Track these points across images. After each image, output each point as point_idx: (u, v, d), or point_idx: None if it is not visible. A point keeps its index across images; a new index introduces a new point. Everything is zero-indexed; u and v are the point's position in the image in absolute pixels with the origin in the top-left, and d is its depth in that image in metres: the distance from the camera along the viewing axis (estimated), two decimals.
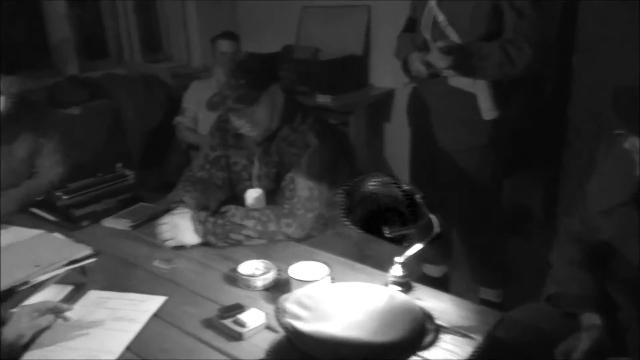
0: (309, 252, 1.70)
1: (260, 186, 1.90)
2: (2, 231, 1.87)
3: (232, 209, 1.75)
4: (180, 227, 1.71)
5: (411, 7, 2.51)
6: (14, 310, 1.37)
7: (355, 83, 4.02)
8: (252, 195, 1.85)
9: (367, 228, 1.28)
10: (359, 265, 1.58)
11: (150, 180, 2.93)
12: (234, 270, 1.55)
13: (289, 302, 1.05)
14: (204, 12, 4.54)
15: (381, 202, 1.27)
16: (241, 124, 1.83)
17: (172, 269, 1.62)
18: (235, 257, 1.66)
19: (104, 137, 3.44)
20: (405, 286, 1.36)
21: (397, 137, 4.04)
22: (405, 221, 1.26)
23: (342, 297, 1.09)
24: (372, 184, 1.29)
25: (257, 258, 1.58)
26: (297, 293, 1.09)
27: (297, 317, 1.01)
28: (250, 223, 1.71)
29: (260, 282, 1.47)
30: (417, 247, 1.30)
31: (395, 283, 1.35)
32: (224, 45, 3.31)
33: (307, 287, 1.22)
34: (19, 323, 1.26)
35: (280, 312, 1.03)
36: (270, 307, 1.38)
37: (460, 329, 1.25)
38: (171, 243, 1.70)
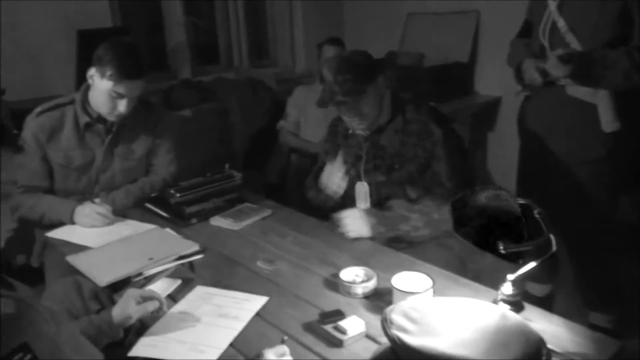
0: (410, 261, 1.67)
1: (367, 180, 1.98)
2: (119, 224, 2.01)
3: (396, 203, 1.86)
4: (358, 221, 1.83)
5: (528, 10, 2.38)
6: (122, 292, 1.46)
7: (459, 90, 3.93)
8: (361, 189, 1.98)
9: (478, 242, 1.22)
10: (463, 280, 1.52)
11: (251, 182, 3.02)
12: (335, 275, 1.55)
13: (395, 313, 1.02)
14: (310, 19, 4.63)
15: (495, 216, 1.21)
16: (350, 119, 1.90)
17: (274, 270, 1.64)
18: (336, 263, 1.66)
19: (211, 138, 3.59)
20: (516, 305, 1.28)
21: (502, 147, 3.89)
22: (520, 237, 1.19)
23: (450, 312, 1.04)
24: (485, 197, 1.23)
25: (358, 265, 1.57)
26: (404, 304, 1.07)
27: (404, 330, 0.98)
28: (414, 214, 1.81)
29: (360, 290, 1.46)
30: (530, 265, 1.23)
31: (506, 301, 1.28)
32: (330, 51, 3.34)
33: (414, 299, 1.18)
34: (127, 305, 1.33)
35: (386, 322, 1.01)
36: (370, 316, 1.36)
37: (574, 357, 1.16)
38: (352, 235, 1.82)
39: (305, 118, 3.37)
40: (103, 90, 1.99)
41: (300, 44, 4.68)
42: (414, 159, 1.88)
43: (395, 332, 0.98)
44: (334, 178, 2.01)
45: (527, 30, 2.36)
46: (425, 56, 3.97)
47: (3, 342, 0.81)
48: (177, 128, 3.15)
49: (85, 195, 2.09)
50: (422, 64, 3.93)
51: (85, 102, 2.09)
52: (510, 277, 1.27)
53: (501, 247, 1.17)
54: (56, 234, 1.97)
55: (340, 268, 1.59)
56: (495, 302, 1.29)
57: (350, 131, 2.02)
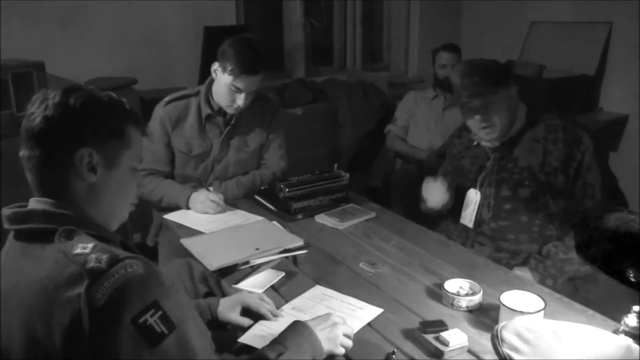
0: (519, 280, 1.59)
1: (486, 192, 1.91)
2: (230, 212, 2.10)
3: (552, 248, 1.80)
4: (437, 191, 1.96)
5: None
6: (237, 288, 1.52)
7: (582, 105, 3.69)
8: (473, 198, 1.95)
9: (604, 267, 1.14)
10: (577, 305, 1.42)
11: (355, 183, 3.03)
12: (438, 285, 1.51)
13: (508, 331, 0.97)
14: (426, 24, 4.58)
15: (626, 240, 1.12)
16: (477, 127, 1.82)
17: (377, 272, 1.63)
18: (439, 272, 1.62)
19: (320, 137, 3.65)
20: None
21: (625, 168, 3.60)
22: None
23: (566, 337, 0.98)
24: (613, 219, 1.14)
25: (462, 277, 1.52)
26: (517, 323, 1.02)
27: (515, 350, 0.94)
28: (574, 253, 1.72)
29: (465, 303, 1.41)
30: None
31: (629, 334, 1.18)
32: (445, 58, 3.28)
33: (527, 318, 1.12)
34: (232, 309, 1.39)
35: (497, 339, 0.96)
36: (473, 331, 1.32)
37: None
38: (430, 204, 1.98)
39: (415, 123, 3.33)
40: (224, 84, 2.09)
41: (414, 49, 4.65)
42: (563, 168, 1.77)
43: (507, 351, 0.93)
44: (433, 195, 1.97)
45: None
46: (546, 67, 3.78)
47: (136, 300, 0.87)
48: (288, 125, 3.25)
49: (200, 183, 2.21)
50: (542, 75, 3.74)
51: (208, 94, 2.20)
52: (637, 308, 1.17)
53: (631, 275, 1.08)
54: (172, 216, 2.09)
55: (443, 278, 1.55)
56: (616, 332, 1.20)
57: (475, 143, 1.96)
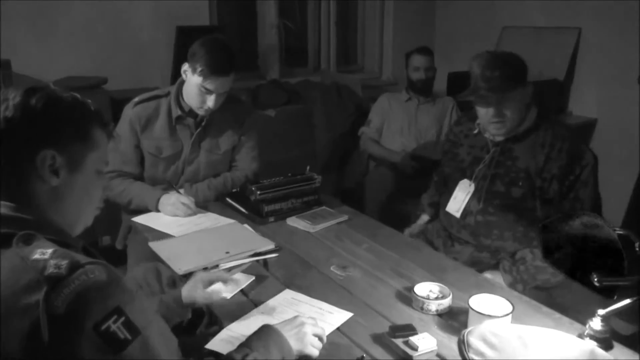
0: (489, 283, 1.61)
1: (479, 185, 1.92)
2: (200, 215, 2.07)
3: (528, 254, 1.81)
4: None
5: None
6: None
7: (551, 109, 3.74)
8: (465, 189, 1.94)
9: (570, 271, 1.15)
10: (545, 309, 1.44)
11: (328, 185, 3.03)
12: (408, 289, 1.51)
13: (474, 336, 0.98)
14: (400, 27, 4.60)
15: (591, 245, 1.14)
16: (487, 117, 1.83)
17: (347, 276, 1.63)
18: (410, 276, 1.62)
19: (294, 139, 3.63)
20: (605, 343, 1.19)
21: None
22: (617, 271, 1.10)
23: (532, 342, 0.99)
24: (578, 224, 1.16)
25: (433, 280, 1.52)
26: (483, 328, 1.02)
27: (481, 355, 0.94)
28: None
29: (434, 306, 1.41)
30: (625, 302, 1.14)
31: (594, 338, 1.19)
32: (418, 60, 3.30)
33: (493, 323, 1.13)
34: (195, 288, 1.37)
35: (464, 345, 0.97)
36: (442, 335, 1.32)
37: None
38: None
39: (388, 126, 3.34)
40: (194, 85, 2.06)
41: (388, 52, 4.67)
42: (560, 177, 1.79)
43: (473, 356, 0.93)
44: None
45: None
46: None
47: (98, 306, 0.84)
48: (261, 126, 3.23)
49: (171, 185, 2.17)
50: None
51: (179, 95, 2.17)
52: (601, 312, 1.19)
53: (595, 279, 1.09)
54: (140, 219, 2.05)
55: (414, 282, 1.55)
56: (581, 336, 1.21)
57: (476, 131, 1.97)
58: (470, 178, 1.94)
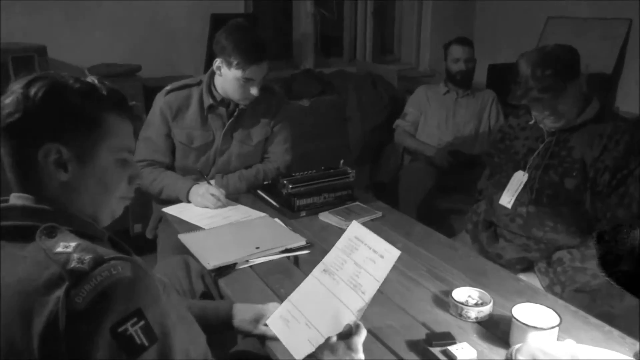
0: (532, 290, 1.52)
1: (530, 174, 1.85)
2: (231, 207, 2.03)
3: (565, 254, 1.74)
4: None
5: None
6: None
7: (606, 109, 3.58)
8: (519, 179, 1.87)
9: (629, 286, 1.06)
10: (593, 320, 1.34)
11: (360, 179, 2.96)
12: (445, 293, 1.44)
13: (522, 354, 0.90)
14: (439, 17, 4.48)
15: None
16: (543, 116, 1.78)
17: None
18: (447, 279, 1.55)
19: (327, 130, 3.57)
20: None
21: None
22: None
23: None
24: (636, 236, 1.06)
25: (472, 285, 1.44)
26: (532, 346, 0.94)
27: None
28: (591, 263, 1.69)
29: (474, 314, 1.33)
30: None
31: None
32: (457, 51, 3.18)
33: (542, 339, 1.04)
34: (253, 323, 1.31)
35: None
36: (482, 344, 1.24)
37: None
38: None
39: (425, 119, 3.24)
40: (233, 79, 2.02)
41: (426, 43, 4.55)
42: (613, 170, 1.69)
43: None
44: None
45: None
46: None
47: (118, 306, 0.80)
48: (295, 117, 3.17)
49: (202, 175, 2.13)
50: None
51: (211, 85, 2.13)
52: None
53: None
54: (171, 210, 2.03)
55: (451, 285, 1.48)
56: (636, 356, 1.12)
57: (532, 122, 1.90)
58: (524, 169, 1.86)
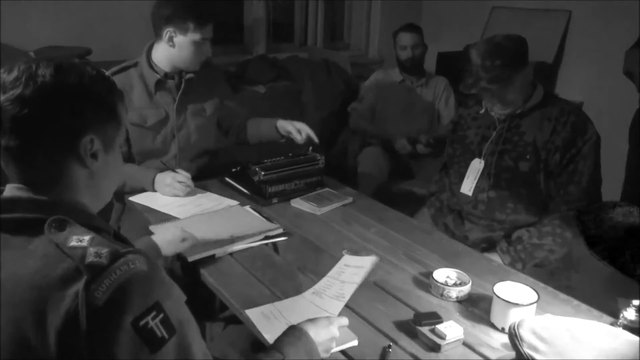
0: (503, 270, 1.60)
1: (488, 161, 1.92)
2: (200, 195, 2.01)
3: (524, 232, 1.82)
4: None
5: None
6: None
7: (550, 93, 3.76)
8: (476, 166, 1.95)
9: (612, 262, 1.14)
10: (562, 296, 1.44)
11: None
12: (425, 274, 1.50)
13: (524, 330, 0.96)
14: (388, 6, 4.53)
15: (630, 234, 1.13)
16: (492, 103, 1.88)
17: None
18: (424, 261, 1.60)
19: (284, 116, 3.54)
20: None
21: None
22: None
23: (579, 335, 0.98)
24: (617, 213, 1.15)
25: (447, 266, 1.51)
26: (531, 322, 1.00)
27: (535, 349, 0.93)
28: (547, 239, 1.78)
29: (455, 293, 1.39)
30: None
31: (627, 328, 1.19)
32: (405, 39, 3.22)
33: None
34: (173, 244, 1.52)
35: (517, 339, 0.95)
36: (465, 322, 1.30)
37: None
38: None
39: (382, 107, 3.27)
40: (190, 43, 2.02)
41: (375, 29, 4.60)
42: (563, 149, 1.79)
43: (528, 351, 0.92)
44: None
45: None
46: None
47: (138, 300, 0.79)
48: (250, 103, 3.14)
49: (165, 166, 2.08)
50: None
51: (150, 62, 2.10)
52: (636, 302, 1.19)
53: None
54: (138, 199, 1.98)
55: (428, 267, 1.54)
56: (613, 325, 1.21)
57: (482, 111, 1.97)
58: (479, 156, 1.94)
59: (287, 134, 2.19)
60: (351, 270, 1.50)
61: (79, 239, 0.82)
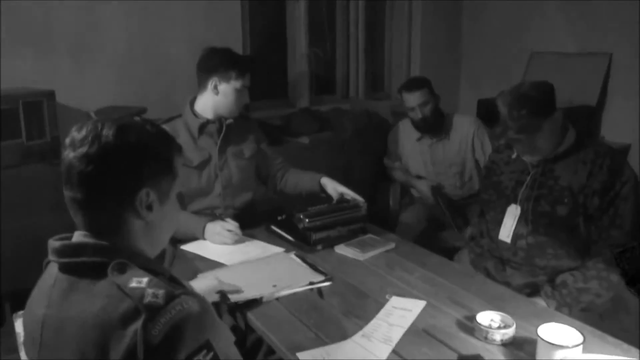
0: (548, 313, 1.59)
1: (522, 207, 1.93)
2: (248, 243, 2.08)
3: (568, 277, 1.81)
4: None
5: None
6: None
7: (583, 135, 3.73)
8: (513, 212, 1.94)
9: None
10: (611, 339, 1.41)
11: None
12: (468, 318, 1.50)
13: None
14: (427, 54, 4.64)
15: None
16: (523, 151, 1.89)
17: None
18: (467, 305, 1.61)
19: (327, 166, 3.64)
20: None
21: None
22: None
23: None
24: None
25: (491, 309, 1.51)
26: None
27: None
28: (593, 283, 1.76)
29: (499, 336, 1.40)
30: None
31: None
32: (408, 99, 2.97)
33: (568, 353, 1.11)
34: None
35: None
36: None
37: None
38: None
39: (407, 152, 3.24)
40: (232, 91, 2.22)
41: None
42: (601, 192, 1.79)
43: None
44: None
45: None
46: None
47: (191, 338, 0.85)
48: (294, 154, 3.25)
49: (214, 215, 2.19)
50: None
51: (192, 111, 2.30)
52: None
53: None
54: (189, 247, 2.07)
55: (472, 310, 1.54)
56: None
57: (514, 156, 1.99)
58: (515, 202, 1.94)
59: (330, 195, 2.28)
60: (399, 313, 1.54)
61: (139, 281, 0.89)
